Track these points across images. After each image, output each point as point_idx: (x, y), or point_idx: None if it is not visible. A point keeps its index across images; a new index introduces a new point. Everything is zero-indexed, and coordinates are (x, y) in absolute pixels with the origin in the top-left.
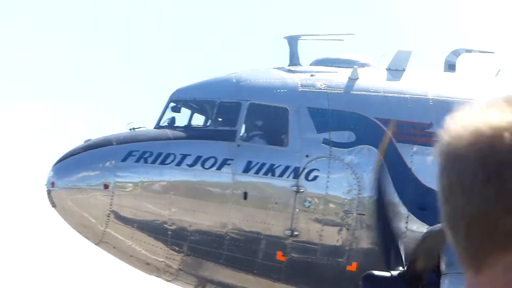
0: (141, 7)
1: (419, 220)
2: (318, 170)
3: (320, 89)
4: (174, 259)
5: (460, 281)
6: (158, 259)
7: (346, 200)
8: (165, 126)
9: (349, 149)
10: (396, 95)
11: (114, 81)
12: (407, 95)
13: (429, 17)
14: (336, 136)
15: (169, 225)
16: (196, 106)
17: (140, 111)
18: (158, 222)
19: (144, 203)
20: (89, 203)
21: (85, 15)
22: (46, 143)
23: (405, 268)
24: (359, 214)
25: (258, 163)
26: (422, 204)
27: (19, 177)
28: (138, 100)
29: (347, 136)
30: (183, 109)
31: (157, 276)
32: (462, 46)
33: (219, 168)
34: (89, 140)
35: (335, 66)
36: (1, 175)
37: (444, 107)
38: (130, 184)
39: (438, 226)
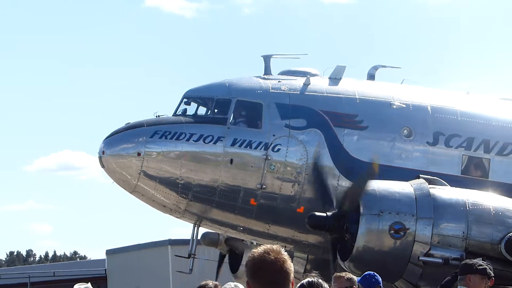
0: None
1: (346, 179)
2: (281, 144)
3: (284, 90)
4: (182, 203)
5: (372, 220)
6: (171, 202)
7: (298, 165)
8: (180, 114)
9: (302, 131)
10: (334, 95)
11: (146, 87)
12: (342, 95)
13: (358, 42)
14: (293, 122)
15: (180, 180)
16: (201, 101)
17: (163, 105)
18: (172, 178)
19: (164, 165)
20: (126, 165)
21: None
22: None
23: (336, 210)
24: (306, 174)
25: (241, 139)
26: (349, 168)
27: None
28: (162, 96)
29: (300, 122)
30: (192, 103)
31: (170, 214)
32: (379, 63)
33: (214, 143)
34: (128, 123)
35: (294, 76)
36: None
37: (367, 103)
38: (155, 153)
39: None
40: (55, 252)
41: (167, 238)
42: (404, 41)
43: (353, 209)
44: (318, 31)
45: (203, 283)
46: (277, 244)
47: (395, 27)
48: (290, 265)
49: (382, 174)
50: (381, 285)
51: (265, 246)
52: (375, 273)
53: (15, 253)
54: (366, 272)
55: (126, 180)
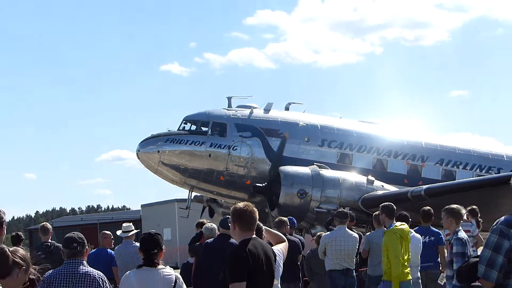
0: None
1: (273, 166)
2: (237, 146)
3: (239, 116)
4: (182, 179)
5: (288, 188)
6: (177, 179)
7: (247, 157)
8: (181, 129)
9: (249, 138)
10: (267, 118)
11: (162, 115)
12: (271, 119)
13: (280, 90)
14: (244, 134)
15: (181, 167)
16: (193, 122)
17: (172, 123)
18: (177, 165)
19: (172, 158)
20: (151, 158)
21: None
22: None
23: (269, 183)
24: (252, 163)
25: (215, 143)
26: (276, 159)
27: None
28: (171, 119)
29: (248, 134)
30: (188, 123)
31: (176, 185)
32: (292, 101)
33: (200, 145)
34: (152, 134)
35: (244, 108)
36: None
37: (285, 123)
38: (167, 151)
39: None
40: (113, 206)
41: (174, 198)
42: (305, 89)
43: (277, 182)
44: (258, 82)
45: (200, 220)
46: (235, 202)
47: (302, 79)
48: (257, 215)
49: (293, 163)
50: (295, 223)
51: (244, 202)
52: (292, 217)
53: (90, 206)
54: (288, 217)
55: (152, 166)
